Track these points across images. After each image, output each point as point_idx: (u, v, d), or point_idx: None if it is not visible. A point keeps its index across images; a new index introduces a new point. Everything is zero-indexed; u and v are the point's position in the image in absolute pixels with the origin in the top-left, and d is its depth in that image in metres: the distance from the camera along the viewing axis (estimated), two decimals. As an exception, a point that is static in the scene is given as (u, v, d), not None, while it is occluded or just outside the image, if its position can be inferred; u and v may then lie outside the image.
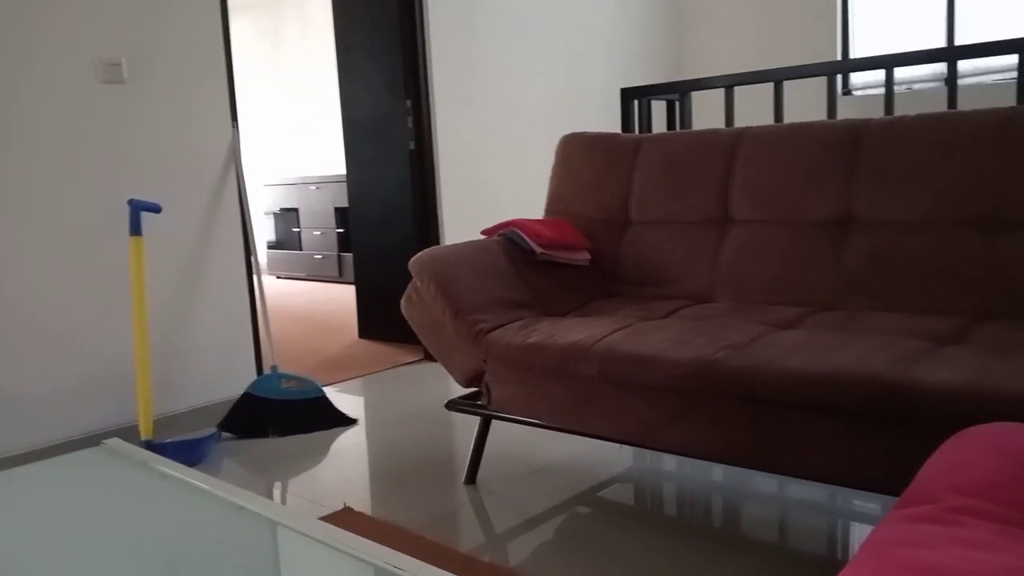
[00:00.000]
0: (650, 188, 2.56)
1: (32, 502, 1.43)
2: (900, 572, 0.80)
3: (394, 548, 1.94)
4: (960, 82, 4.33)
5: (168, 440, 2.78)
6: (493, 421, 2.37)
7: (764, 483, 2.32)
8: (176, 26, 2.96)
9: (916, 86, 4.63)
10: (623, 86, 4.66)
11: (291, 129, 7.74)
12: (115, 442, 1.70)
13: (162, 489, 1.47)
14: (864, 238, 2.15)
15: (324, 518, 2.18)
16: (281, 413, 3.00)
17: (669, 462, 2.52)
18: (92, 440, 2.70)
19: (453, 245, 2.39)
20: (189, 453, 2.70)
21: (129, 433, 2.77)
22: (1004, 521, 0.93)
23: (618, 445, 2.59)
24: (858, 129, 2.23)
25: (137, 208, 2.65)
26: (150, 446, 2.60)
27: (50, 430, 2.70)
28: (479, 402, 2.31)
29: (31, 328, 2.65)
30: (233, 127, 3.13)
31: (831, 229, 2.22)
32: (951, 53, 2.77)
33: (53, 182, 2.68)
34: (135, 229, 2.64)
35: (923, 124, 2.12)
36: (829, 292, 2.18)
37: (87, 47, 2.74)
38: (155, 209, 2.68)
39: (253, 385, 3.01)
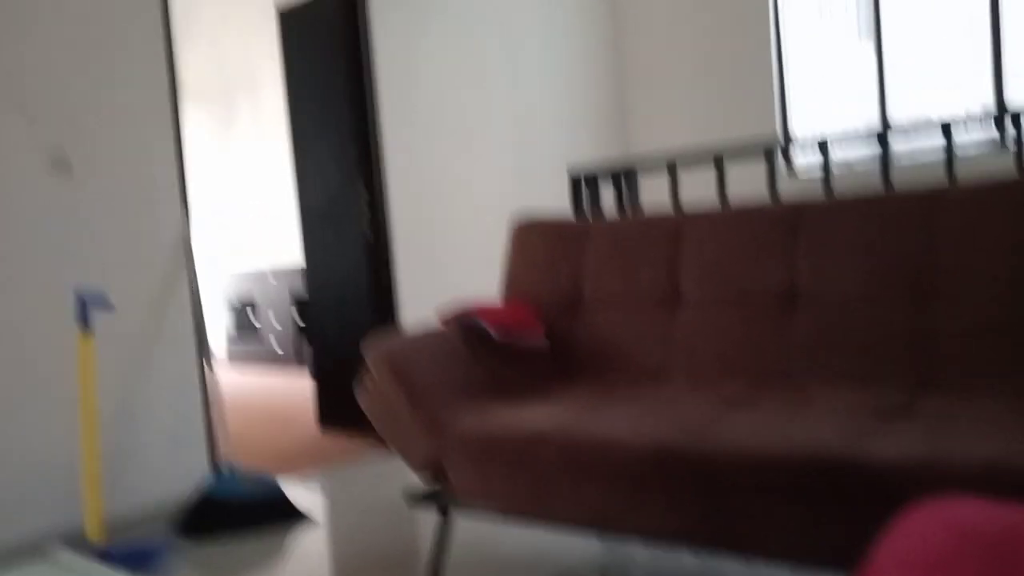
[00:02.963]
0: (602, 272, 2.61)
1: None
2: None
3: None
4: (898, 158, 4.51)
5: (119, 547, 2.67)
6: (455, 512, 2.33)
7: (738, 564, 2.29)
8: (124, 113, 2.95)
9: (854, 159, 4.81)
10: (571, 157, 4.77)
11: (248, 218, 7.73)
12: (61, 553, 1.63)
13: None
14: (809, 313, 2.21)
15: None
16: (237, 514, 2.90)
17: (640, 545, 2.49)
18: (35, 545, 2.59)
19: (409, 334, 2.39)
20: (141, 562, 2.59)
21: (76, 535, 2.67)
22: (953, 601, 0.94)
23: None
24: (798, 210, 2.31)
25: (85, 303, 2.57)
26: (101, 554, 2.49)
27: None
28: (437, 488, 2.27)
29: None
30: (184, 215, 3.11)
31: (778, 305, 2.28)
32: (882, 135, 2.91)
33: (-2, 278, 2.63)
34: (85, 325, 2.56)
35: (857, 204, 2.22)
36: (779, 367, 2.22)
37: (32, 134, 2.72)
38: (107, 306, 2.62)
39: (207, 485, 2.93)
